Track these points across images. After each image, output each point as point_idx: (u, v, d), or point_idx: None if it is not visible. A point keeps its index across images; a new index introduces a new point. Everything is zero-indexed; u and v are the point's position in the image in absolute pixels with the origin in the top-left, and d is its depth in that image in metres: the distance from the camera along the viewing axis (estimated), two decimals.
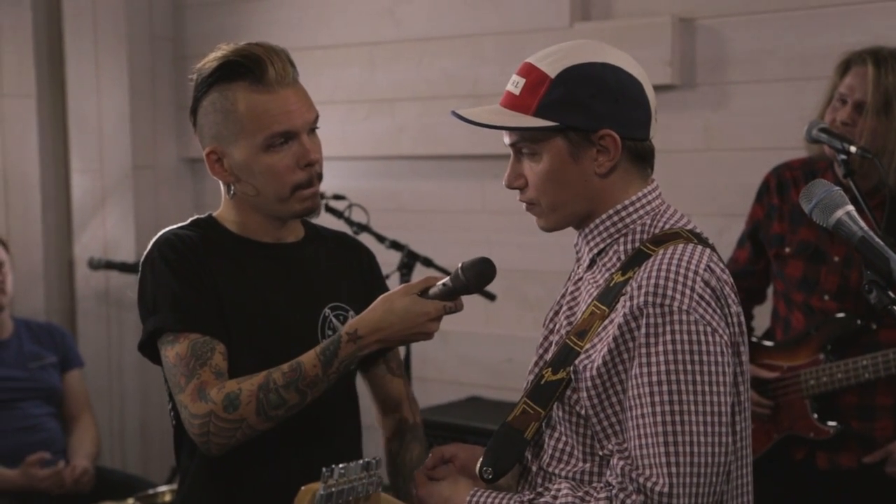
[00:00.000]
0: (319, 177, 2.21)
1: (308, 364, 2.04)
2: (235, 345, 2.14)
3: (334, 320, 2.25)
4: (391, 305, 2.05)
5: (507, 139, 1.88)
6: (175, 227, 2.24)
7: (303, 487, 1.71)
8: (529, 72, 1.84)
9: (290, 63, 2.19)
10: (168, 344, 2.11)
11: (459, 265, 2.02)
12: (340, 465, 1.71)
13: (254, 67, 2.14)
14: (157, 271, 2.14)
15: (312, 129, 2.21)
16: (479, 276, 2.01)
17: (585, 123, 1.80)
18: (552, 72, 1.81)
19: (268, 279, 2.21)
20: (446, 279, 2.04)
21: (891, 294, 1.70)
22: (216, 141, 2.19)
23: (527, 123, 1.82)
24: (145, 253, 2.20)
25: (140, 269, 2.20)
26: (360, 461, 1.74)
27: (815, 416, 2.97)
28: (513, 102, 1.84)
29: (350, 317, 2.27)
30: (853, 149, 2.75)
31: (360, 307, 2.28)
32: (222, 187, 2.25)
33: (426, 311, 2.04)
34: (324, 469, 1.69)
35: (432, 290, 2.05)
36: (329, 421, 2.26)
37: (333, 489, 1.70)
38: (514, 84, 1.85)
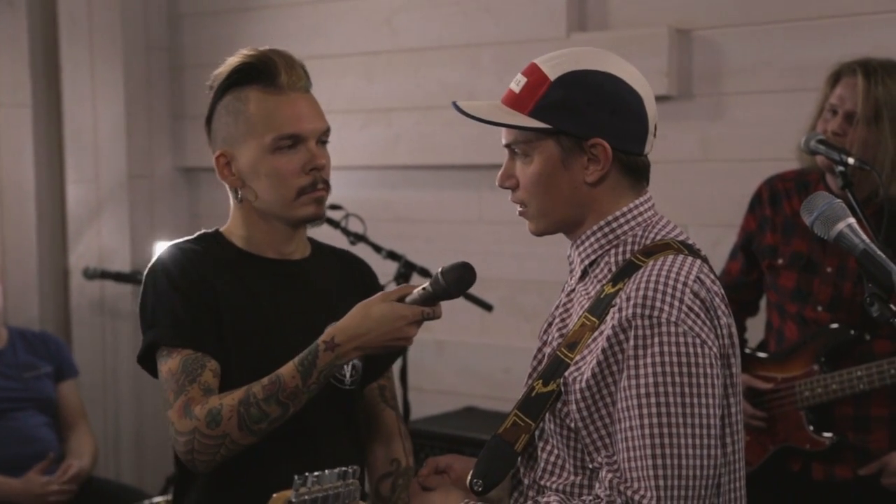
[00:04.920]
0: (326, 184, 2.22)
1: (287, 376, 2.03)
2: (236, 362, 2.13)
3: None
4: (368, 311, 2.03)
5: (503, 139, 1.88)
6: (181, 240, 2.24)
7: (274, 495, 1.67)
8: (532, 72, 1.84)
9: (305, 72, 2.22)
10: (163, 358, 2.10)
11: (439, 269, 2.00)
12: (314, 473, 1.67)
13: (266, 71, 2.16)
14: (158, 284, 2.14)
15: (323, 141, 2.23)
16: (459, 280, 1.98)
17: (577, 130, 1.80)
18: (553, 74, 1.81)
19: (271, 296, 2.20)
20: (426, 284, 2.02)
21: (893, 307, 1.69)
22: (226, 144, 2.19)
23: (520, 122, 1.82)
24: (149, 265, 2.20)
25: (143, 281, 2.20)
26: (337, 469, 1.70)
27: (811, 427, 2.96)
28: (512, 100, 1.84)
29: None
30: (851, 160, 2.75)
31: None
32: (230, 194, 2.25)
33: (403, 316, 2.01)
34: (296, 476, 1.66)
35: (410, 296, 2.03)
36: (331, 433, 2.24)
37: (306, 497, 1.65)
38: (517, 83, 1.85)
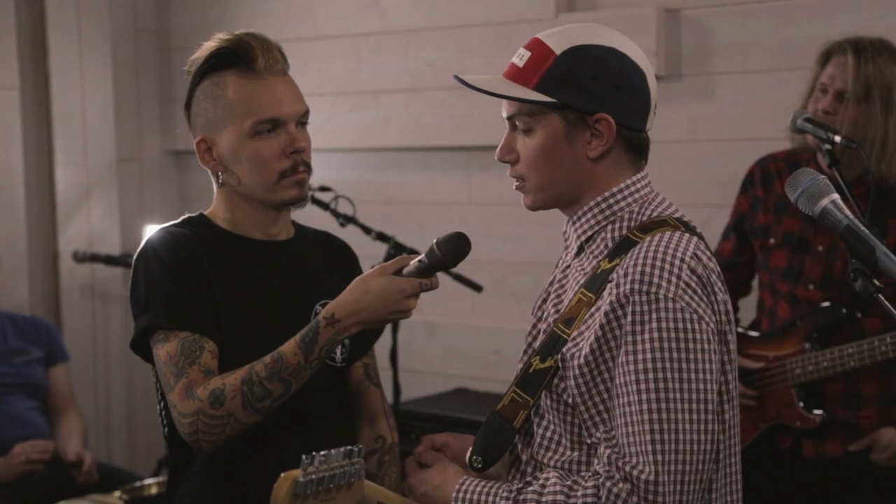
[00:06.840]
0: (307, 166, 2.22)
1: (289, 353, 2.04)
2: (230, 341, 2.14)
3: None
4: (367, 286, 2.04)
5: (504, 112, 1.87)
6: (167, 224, 2.24)
7: (282, 474, 1.69)
8: (536, 46, 1.83)
9: (282, 55, 2.21)
10: (159, 342, 2.10)
11: (434, 241, 2.01)
12: (321, 452, 1.69)
13: (244, 55, 2.16)
14: (150, 268, 2.14)
15: (302, 123, 2.22)
16: (454, 250, 1.99)
17: (583, 104, 1.80)
18: (558, 49, 1.81)
19: (260, 276, 2.21)
20: (422, 256, 2.03)
21: (876, 282, 1.70)
22: (206, 129, 2.20)
23: (525, 96, 1.81)
24: (138, 250, 2.19)
25: (133, 266, 2.19)
26: (342, 448, 1.72)
27: (802, 404, 2.97)
28: (515, 74, 1.84)
29: None
30: (838, 138, 2.76)
31: None
32: (212, 178, 2.25)
33: (402, 289, 2.03)
34: (303, 456, 1.68)
35: (407, 269, 2.04)
36: (326, 410, 2.26)
37: (313, 476, 1.67)
38: (520, 56, 1.84)
